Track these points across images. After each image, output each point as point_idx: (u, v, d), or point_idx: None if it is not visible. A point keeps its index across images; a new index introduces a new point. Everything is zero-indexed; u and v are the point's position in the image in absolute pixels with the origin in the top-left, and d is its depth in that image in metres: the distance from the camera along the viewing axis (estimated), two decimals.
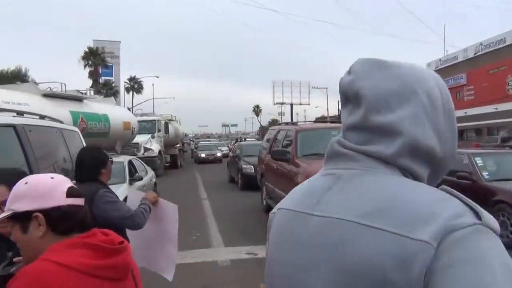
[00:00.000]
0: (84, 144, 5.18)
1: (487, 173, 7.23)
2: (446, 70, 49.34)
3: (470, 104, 44.21)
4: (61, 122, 5.44)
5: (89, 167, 2.84)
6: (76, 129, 5.95)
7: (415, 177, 0.79)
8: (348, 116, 0.84)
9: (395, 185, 0.74)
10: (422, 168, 0.80)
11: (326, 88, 57.31)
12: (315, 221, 0.77)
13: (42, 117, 4.83)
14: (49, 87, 10.07)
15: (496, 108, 39.51)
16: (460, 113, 45.04)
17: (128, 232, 2.85)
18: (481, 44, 43.52)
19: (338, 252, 0.70)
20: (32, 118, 4.55)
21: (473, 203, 0.68)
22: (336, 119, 16.70)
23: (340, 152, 0.82)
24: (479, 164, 7.40)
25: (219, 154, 32.49)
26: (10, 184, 1.45)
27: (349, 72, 0.84)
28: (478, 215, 0.65)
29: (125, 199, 3.48)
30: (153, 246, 3.21)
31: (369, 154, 0.79)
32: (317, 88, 56.54)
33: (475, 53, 44.33)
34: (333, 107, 59.53)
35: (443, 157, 0.82)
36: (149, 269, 3.19)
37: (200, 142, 43.53)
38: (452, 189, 0.72)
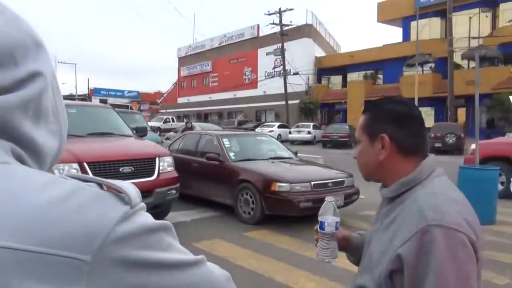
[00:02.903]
0: None
1: (233, 154, 7.81)
2: (194, 56, 52.46)
3: (214, 90, 48.37)
4: None
5: None
6: None
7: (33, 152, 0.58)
8: None
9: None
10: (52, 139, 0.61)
11: (75, 64, 53.59)
12: None
13: None
14: None
15: (235, 95, 44.40)
16: (205, 97, 48.82)
17: None
18: (225, 36, 47.88)
19: None
20: None
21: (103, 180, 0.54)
22: (86, 97, 15.47)
23: None
24: (226, 146, 7.92)
25: None
26: None
27: None
28: (122, 196, 0.52)
29: None
30: None
31: None
32: (64, 63, 52.55)
33: (220, 44, 48.51)
34: (83, 84, 55.82)
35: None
36: None
37: None
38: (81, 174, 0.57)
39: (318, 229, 1.40)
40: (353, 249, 1.47)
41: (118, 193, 0.52)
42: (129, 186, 0.54)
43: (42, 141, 0.58)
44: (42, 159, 0.59)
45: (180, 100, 54.95)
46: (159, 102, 59.83)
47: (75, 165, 5.31)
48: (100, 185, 0.54)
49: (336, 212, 1.39)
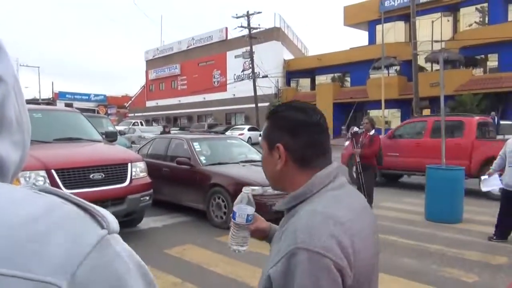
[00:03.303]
0: None
1: (204, 158, 7.72)
2: (163, 59, 51.87)
3: (183, 93, 47.95)
4: None
5: None
6: None
7: None
8: None
9: None
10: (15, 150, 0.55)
11: (39, 67, 52.08)
12: None
13: None
14: None
15: (204, 98, 44.14)
16: (174, 101, 48.33)
17: None
18: (193, 38, 47.56)
19: None
20: None
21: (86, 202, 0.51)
22: (51, 101, 14.99)
23: None
24: (197, 149, 7.83)
25: None
26: None
27: None
28: (98, 220, 0.49)
29: None
30: None
31: None
32: (26, 66, 50.87)
33: (188, 46, 48.15)
34: (47, 88, 54.26)
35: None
36: None
37: None
38: (56, 189, 0.51)
39: (231, 218, 1.40)
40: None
41: (96, 216, 0.49)
42: (107, 212, 0.50)
43: (5, 155, 0.53)
44: (4, 173, 0.53)
45: (149, 103, 54.18)
46: (127, 105, 58.80)
47: (42, 173, 5.09)
48: (77, 204, 0.49)
49: (250, 203, 1.39)
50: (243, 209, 1.37)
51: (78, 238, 0.46)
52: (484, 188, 6.28)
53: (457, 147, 9.92)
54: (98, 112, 27.38)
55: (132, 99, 60.62)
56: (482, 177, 6.20)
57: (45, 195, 0.49)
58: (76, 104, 37.46)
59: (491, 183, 6.14)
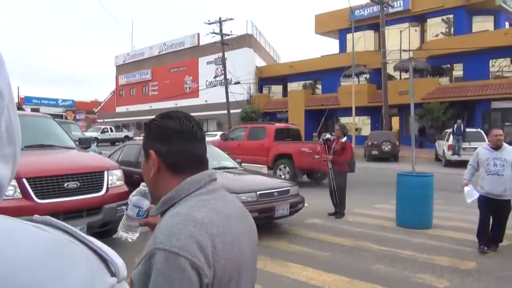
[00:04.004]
0: None
1: None
2: (133, 65, 51.20)
3: (155, 98, 47.41)
4: None
5: None
6: None
7: None
8: None
9: None
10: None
11: None
12: None
13: None
14: None
15: (176, 104, 43.76)
16: (145, 107, 47.72)
17: None
18: (164, 44, 47.16)
19: None
20: None
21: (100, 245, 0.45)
22: (18, 106, 14.56)
23: None
24: None
25: None
26: None
27: None
28: (108, 265, 0.44)
29: None
30: None
31: None
32: None
33: (159, 52, 47.70)
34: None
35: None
36: None
37: None
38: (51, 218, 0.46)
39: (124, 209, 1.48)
40: None
41: (106, 260, 0.44)
42: (115, 254, 0.45)
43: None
44: None
45: (119, 109, 53.27)
46: (96, 111, 57.66)
47: (13, 182, 4.82)
48: (85, 243, 0.43)
49: (147, 197, 1.46)
50: (135, 202, 1.43)
51: (87, 285, 0.40)
52: (468, 200, 6.27)
53: (261, 146, 13.66)
54: (66, 118, 26.72)
55: (102, 104, 59.47)
56: (466, 189, 6.19)
57: (47, 231, 0.42)
58: (43, 109, 36.53)
59: (473, 194, 6.13)
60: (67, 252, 0.40)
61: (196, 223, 1.04)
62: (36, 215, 0.46)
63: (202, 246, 1.01)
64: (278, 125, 15.26)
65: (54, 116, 18.91)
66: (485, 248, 5.93)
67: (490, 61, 26.99)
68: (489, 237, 6.02)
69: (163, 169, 1.18)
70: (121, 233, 1.46)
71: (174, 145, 1.17)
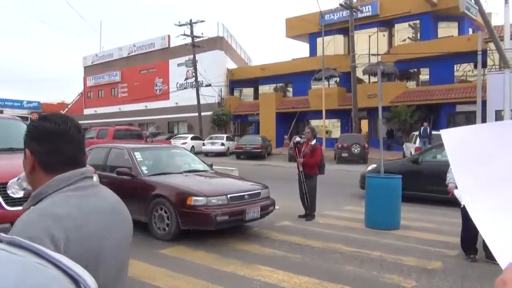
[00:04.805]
0: None
1: (145, 168, 7.49)
2: (102, 66, 50.21)
3: (124, 100, 46.62)
4: None
5: None
6: None
7: None
8: None
9: None
10: None
11: None
12: None
13: None
14: None
15: (146, 106, 43.19)
16: (115, 109, 46.86)
17: None
18: (134, 45, 46.47)
19: None
20: None
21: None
22: None
23: None
24: (138, 159, 7.58)
25: None
26: None
27: None
28: (79, 286, 0.43)
29: None
30: None
31: None
32: None
33: (129, 53, 46.97)
34: None
35: None
36: None
37: None
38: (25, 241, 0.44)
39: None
40: None
41: (77, 280, 0.43)
42: (84, 271, 0.44)
43: None
44: None
45: (87, 111, 52.11)
46: (63, 113, 56.16)
47: None
48: (56, 265, 0.42)
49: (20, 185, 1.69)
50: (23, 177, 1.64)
51: None
52: (463, 202, 6.22)
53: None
54: (31, 120, 25.88)
55: (69, 106, 58.01)
56: (457, 192, 6.15)
57: (16, 253, 0.41)
58: (7, 111, 35.27)
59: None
60: (39, 279, 0.38)
61: (53, 217, 1.12)
62: (2, 234, 0.43)
63: (54, 238, 1.07)
64: (118, 127, 20.34)
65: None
66: (476, 257, 5.66)
67: (455, 65, 27.84)
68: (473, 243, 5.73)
69: (36, 167, 1.25)
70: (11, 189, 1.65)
71: (46, 145, 1.24)
